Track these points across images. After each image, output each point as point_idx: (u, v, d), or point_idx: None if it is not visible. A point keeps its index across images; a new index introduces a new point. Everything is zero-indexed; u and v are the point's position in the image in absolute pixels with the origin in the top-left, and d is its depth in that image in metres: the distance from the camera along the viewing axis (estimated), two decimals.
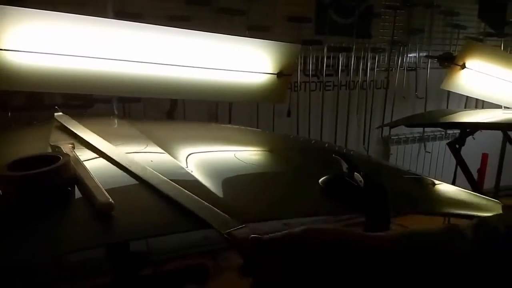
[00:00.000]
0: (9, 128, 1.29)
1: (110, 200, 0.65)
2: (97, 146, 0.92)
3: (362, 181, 0.78)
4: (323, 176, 0.84)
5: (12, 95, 2.43)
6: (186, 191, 0.71)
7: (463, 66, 1.99)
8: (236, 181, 0.87)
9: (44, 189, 0.68)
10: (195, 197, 0.69)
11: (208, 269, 0.99)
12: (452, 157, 3.88)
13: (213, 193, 0.75)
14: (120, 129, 1.28)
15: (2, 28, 1.26)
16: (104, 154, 0.88)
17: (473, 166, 2.24)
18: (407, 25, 3.61)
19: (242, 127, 1.66)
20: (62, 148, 0.89)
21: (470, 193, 1.01)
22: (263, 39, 1.57)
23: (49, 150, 0.91)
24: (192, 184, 0.78)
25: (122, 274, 0.91)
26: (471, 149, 2.25)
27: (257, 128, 3.11)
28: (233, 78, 1.59)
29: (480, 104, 3.87)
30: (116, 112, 1.72)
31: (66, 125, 1.07)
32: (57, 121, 1.15)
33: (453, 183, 2.08)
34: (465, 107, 3.97)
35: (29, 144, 1.05)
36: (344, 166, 0.83)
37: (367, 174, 0.79)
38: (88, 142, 0.94)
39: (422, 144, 3.85)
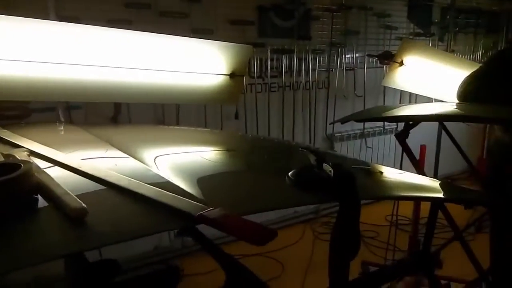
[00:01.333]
0: None
1: (83, 205, 0.62)
2: (47, 154, 0.87)
3: (332, 171, 0.81)
4: (287, 170, 0.86)
5: None
6: (155, 188, 0.70)
7: (401, 63, 2.12)
8: (206, 179, 0.87)
9: (8, 199, 0.63)
10: (165, 191, 0.69)
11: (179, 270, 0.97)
12: (391, 150, 4.14)
13: (184, 190, 0.74)
14: (73, 135, 1.21)
15: None
16: (60, 162, 0.83)
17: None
18: (344, 27, 3.77)
19: (192, 128, 1.65)
20: (17, 156, 0.84)
21: (417, 175, 1.08)
22: (216, 40, 1.57)
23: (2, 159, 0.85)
24: (162, 183, 0.77)
25: (92, 283, 0.87)
26: (409, 141, 2.40)
27: None
28: (184, 80, 1.57)
29: (413, 99, 4.14)
30: (62, 119, 1.63)
31: (3, 136, 0.99)
32: None
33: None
34: (400, 100, 4.21)
35: None
36: (312, 158, 0.85)
37: (336, 164, 0.82)
38: (35, 151, 0.89)
39: (363, 139, 4.04)
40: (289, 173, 0.86)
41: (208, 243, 0.93)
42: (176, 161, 0.97)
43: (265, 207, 0.71)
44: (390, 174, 1.10)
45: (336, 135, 3.88)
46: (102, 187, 0.75)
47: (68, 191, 0.67)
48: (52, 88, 1.37)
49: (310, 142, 3.71)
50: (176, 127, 2.20)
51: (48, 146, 0.94)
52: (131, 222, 0.63)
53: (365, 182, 0.99)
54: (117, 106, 2.61)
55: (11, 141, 0.97)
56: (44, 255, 0.53)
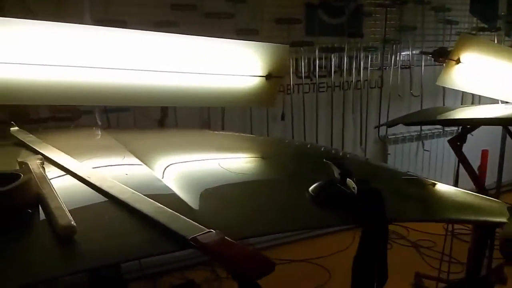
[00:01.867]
0: None
1: (72, 222, 0.58)
2: (61, 162, 0.85)
3: (355, 187, 0.71)
4: (312, 183, 0.78)
5: None
6: (156, 203, 0.65)
7: (458, 61, 1.93)
8: (218, 192, 0.80)
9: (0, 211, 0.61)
10: (165, 208, 0.64)
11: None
12: (452, 154, 3.84)
13: (188, 205, 0.68)
14: (97, 141, 1.21)
15: None
16: (71, 171, 0.81)
17: (473, 163, 2.19)
18: (399, 22, 3.56)
19: (235, 133, 1.59)
20: (29, 164, 0.82)
21: (472, 194, 0.94)
22: (249, 41, 1.50)
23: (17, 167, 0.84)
24: (166, 197, 0.72)
25: None
26: (471, 146, 2.19)
27: (251, 133, 3.04)
28: (221, 82, 1.53)
29: (476, 100, 3.82)
30: (99, 123, 1.65)
31: (24, 140, 0.99)
32: (15, 137, 1.07)
33: (456, 181, 2.02)
34: (461, 101, 3.91)
35: None
36: (336, 171, 0.76)
37: (360, 179, 0.72)
38: (51, 158, 0.87)
39: (420, 142, 3.79)
40: (310, 188, 0.77)
41: None
42: (191, 171, 0.92)
43: (273, 229, 0.63)
44: (443, 189, 0.97)
45: (390, 137, 3.67)
46: (105, 199, 0.71)
47: (63, 205, 0.63)
48: (97, 93, 1.38)
49: (361, 145, 3.54)
50: (212, 132, 2.16)
51: (68, 153, 0.93)
52: (118, 242, 0.57)
53: (410, 199, 0.88)
54: (163, 109, 2.62)
55: (31, 147, 0.96)
56: (22, 277, 0.49)
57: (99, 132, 1.38)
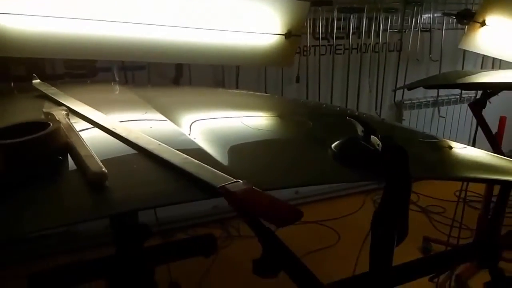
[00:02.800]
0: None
1: (103, 169, 0.59)
2: (86, 114, 0.86)
3: (380, 144, 0.71)
4: (335, 140, 0.78)
5: (13, 65, 2.37)
6: (182, 154, 0.66)
7: (483, 24, 1.87)
8: (243, 147, 0.81)
9: (31, 158, 0.62)
10: (191, 159, 0.65)
11: (215, 239, 0.95)
12: (467, 121, 3.80)
13: (214, 158, 0.69)
14: (119, 96, 1.21)
15: None
16: (96, 123, 0.82)
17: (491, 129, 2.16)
18: None
19: (250, 92, 1.58)
20: (55, 114, 0.83)
21: (490, 154, 0.94)
22: None
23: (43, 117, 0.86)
24: (192, 150, 0.73)
25: (124, 246, 0.87)
26: (489, 112, 2.16)
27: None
28: (238, 40, 1.50)
29: (496, 66, 3.72)
30: (117, 79, 1.65)
31: (46, 92, 1.00)
32: (37, 89, 1.07)
33: (473, 143, 2.00)
34: (481, 66, 3.82)
35: (22, 112, 0.99)
36: (360, 128, 0.76)
37: (385, 136, 0.72)
38: (76, 110, 0.88)
39: (436, 108, 3.74)
40: (332, 145, 0.77)
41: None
42: (214, 127, 0.93)
43: (296, 182, 0.64)
44: (461, 150, 0.97)
45: (405, 102, 3.62)
46: (132, 150, 0.72)
47: (93, 154, 0.65)
48: (113, 47, 1.38)
49: (376, 110, 3.50)
50: (229, 90, 2.15)
51: (91, 106, 0.94)
52: (150, 189, 0.59)
53: (428, 158, 0.88)
54: (178, 68, 2.61)
55: (55, 99, 0.97)
56: (55, 220, 0.51)
57: (118, 87, 1.39)
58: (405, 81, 3.51)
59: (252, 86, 3.01)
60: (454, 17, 2.67)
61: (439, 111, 3.75)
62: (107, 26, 1.31)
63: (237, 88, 2.90)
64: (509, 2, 1.99)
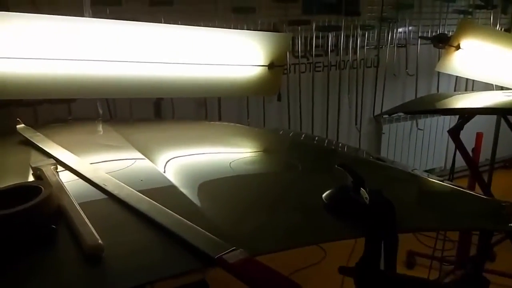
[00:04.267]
0: None
1: (99, 241, 0.59)
2: (74, 166, 0.86)
3: (367, 197, 0.73)
4: (324, 187, 0.80)
5: None
6: (174, 214, 0.67)
7: (458, 47, 1.94)
8: (232, 198, 0.82)
9: (24, 229, 0.62)
10: (185, 221, 0.66)
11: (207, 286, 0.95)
12: (444, 132, 3.90)
13: (206, 215, 0.70)
14: (104, 138, 1.21)
15: None
16: (84, 176, 0.82)
17: (468, 145, 2.23)
18: (396, 0, 3.52)
19: (231, 124, 1.59)
20: (44, 171, 0.83)
21: (478, 196, 0.97)
22: (252, 30, 1.49)
23: (30, 172, 0.85)
24: (184, 205, 0.74)
25: None
26: (466, 128, 2.23)
27: (248, 113, 3.04)
28: (222, 72, 1.52)
29: (470, 81, 3.84)
30: (100, 112, 1.63)
31: (33, 141, 0.99)
32: (21, 135, 1.06)
33: (452, 169, 2.06)
34: (455, 84, 3.94)
35: (7, 163, 0.97)
36: (349, 178, 0.78)
37: (373, 190, 0.74)
38: (63, 162, 0.88)
39: (414, 121, 3.83)
40: (323, 195, 0.79)
41: None
42: (202, 172, 0.93)
43: (290, 244, 0.65)
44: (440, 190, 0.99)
45: (384, 116, 3.70)
46: (124, 210, 0.72)
47: (87, 220, 0.65)
48: (92, 85, 1.36)
49: (356, 124, 3.56)
50: (213, 123, 2.15)
51: (77, 153, 0.93)
52: (147, 259, 0.59)
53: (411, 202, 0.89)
54: None
55: (41, 148, 0.96)
56: None
57: (101, 127, 1.38)
58: (383, 96, 3.59)
59: (235, 106, 3.03)
60: (429, 40, 2.75)
61: (417, 124, 3.84)
62: (86, 65, 1.31)
63: (219, 108, 2.90)
64: (482, 27, 2.08)
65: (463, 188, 1.01)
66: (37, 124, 1.25)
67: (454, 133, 1.50)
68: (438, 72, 3.72)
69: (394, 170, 1.18)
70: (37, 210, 0.64)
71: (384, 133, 3.68)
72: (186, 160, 1.04)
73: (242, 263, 0.55)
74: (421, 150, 3.91)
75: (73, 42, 1.28)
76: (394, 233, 0.69)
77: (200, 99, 2.89)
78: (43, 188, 0.68)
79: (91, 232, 0.61)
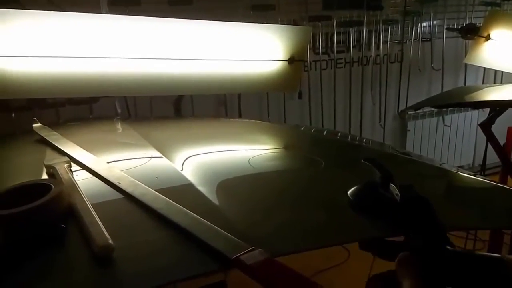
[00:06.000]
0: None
1: (110, 241, 0.56)
2: (88, 164, 0.83)
3: (398, 194, 0.67)
4: (350, 183, 0.75)
5: None
6: (191, 213, 0.63)
7: (488, 38, 1.84)
8: (251, 196, 0.78)
9: (32, 229, 0.59)
10: (201, 219, 0.62)
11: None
12: (472, 128, 3.76)
13: (223, 213, 0.66)
14: (121, 136, 1.18)
15: None
16: (98, 174, 0.79)
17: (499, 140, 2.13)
18: None
19: (251, 120, 1.55)
20: (57, 168, 0.80)
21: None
22: (271, 24, 1.44)
23: (44, 170, 0.82)
24: (201, 204, 0.70)
25: None
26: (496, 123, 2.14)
27: (268, 111, 3.00)
28: (241, 68, 1.48)
29: (499, 74, 3.70)
30: (119, 111, 1.62)
31: (48, 139, 0.97)
32: (37, 134, 1.04)
33: (483, 163, 1.97)
34: (483, 78, 3.80)
35: (21, 163, 0.96)
36: (377, 174, 0.72)
37: (404, 185, 0.68)
38: (78, 160, 0.85)
39: (441, 117, 3.70)
40: (349, 192, 0.74)
41: None
42: (220, 170, 0.89)
43: (314, 244, 0.60)
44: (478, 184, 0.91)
45: (409, 113, 3.59)
46: (138, 209, 0.68)
47: (98, 220, 0.61)
48: (112, 83, 1.35)
49: (380, 122, 3.47)
50: (232, 120, 2.11)
51: (93, 151, 0.91)
52: (159, 261, 0.55)
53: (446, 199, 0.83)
54: None
55: (56, 146, 0.94)
56: None
57: (119, 125, 1.36)
58: (407, 92, 3.48)
59: (255, 104, 2.99)
60: (458, 31, 2.64)
61: (443, 120, 3.72)
62: (105, 62, 1.29)
63: (239, 105, 2.87)
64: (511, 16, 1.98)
65: (497, 183, 0.93)
66: (54, 123, 1.23)
67: (486, 127, 1.42)
68: (465, 66, 3.59)
69: (422, 165, 1.12)
70: (46, 209, 0.61)
71: (409, 130, 3.57)
72: (204, 157, 1.00)
73: (260, 264, 0.51)
74: (448, 147, 3.78)
75: (90, 39, 1.26)
76: (437, 231, 0.62)
77: (220, 97, 2.86)
78: (53, 186, 0.65)
79: (102, 231, 0.58)
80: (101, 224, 0.60)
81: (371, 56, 3.34)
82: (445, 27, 3.41)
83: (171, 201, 0.68)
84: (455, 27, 3.46)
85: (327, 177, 0.88)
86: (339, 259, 2.85)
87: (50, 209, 0.61)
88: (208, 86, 1.48)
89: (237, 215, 0.68)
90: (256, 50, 1.47)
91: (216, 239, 0.57)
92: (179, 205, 0.66)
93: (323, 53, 3.15)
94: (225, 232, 0.59)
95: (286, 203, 0.75)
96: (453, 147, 3.83)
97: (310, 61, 3.09)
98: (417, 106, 1.48)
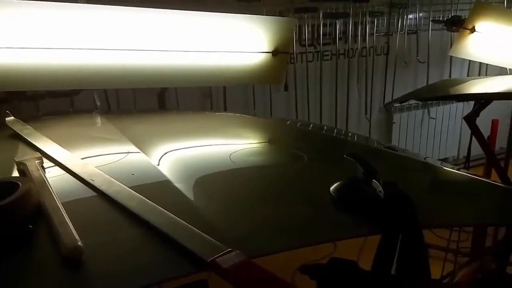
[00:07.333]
0: None
1: (79, 242, 0.53)
2: (61, 160, 0.79)
3: (381, 190, 0.66)
4: (332, 179, 0.73)
5: None
6: (166, 212, 0.61)
7: (473, 30, 1.83)
8: (230, 192, 0.75)
9: None
10: (177, 219, 0.59)
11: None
12: (457, 120, 3.78)
13: (199, 211, 0.64)
14: (99, 131, 1.14)
15: None
16: (71, 171, 0.75)
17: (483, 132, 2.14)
18: None
19: (236, 114, 1.52)
20: (28, 165, 0.76)
21: (497, 185, 0.89)
22: (254, 15, 1.41)
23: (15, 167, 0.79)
24: (176, 201, 0.67)
25: None
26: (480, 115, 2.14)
27: (254, 104, 2.97)
28: (225, 60, 1.44)
29: (484, 67, 3.72)
30: (98, 103, 1.57)
31: (21, 133, 0.93)
32: (10, 128, 1.00)
33: (468, 155, 1.97)
34: (468, 70, 3.81)
35: None
36: (359, 169, 0.70)
37: (387, 182, 0.66)
38: (51, 156, 0.81)
39: (426, 110, 3.72)
40: (331, 188, 0.72)
41: None
42: (199, 165, 0.87)
43: (292, 244, 0.58)
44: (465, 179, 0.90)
45: (395, 105, 3.59)
46: (111, 207, 0.65)
47: (67, 219, 0.58)
48: (94, 76, 1.30)
49: (366, 114, 3.47)
50: (217, 113, 2.08)
51: (67, 146, 0.87)
52: (132, 263, 0.53)
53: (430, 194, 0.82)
54: None
55: (29, 141, 0.90)
56: None
57: (99, 120, 1.31)
58: (393, 84, 3.48)
59: (240, 96, 2.96)
60: (443, 23, 2.64)
61: (429, 113, 3.73)
62: (86, 54, 1.24)
63: (224, 98, 2.83)
64: (497, 9, 1.97)
65: (481, 177, 0.92)
66: (32, 117, 1.18)
67: (470, 119, 1.41)
68: (451, 59, 3.60)
69: (407, 159, 1.10)
70: (11, 208, 0.57)
71: (394, 123, 3.58)
72: (183, 153, 0.97)
73: (236, 266, 0.48)
74: (433, 139, 3.80)
75: (70, 30, 1.21)
76: (416, 231, 0.61)
77: (205, 90, 2.82)
78: (20, 184, 0.62)
79: (71, 232, 0.55)
80: (70, 224, 0.57)
81: (357, 48, 3.33)
82: (430, 19, 3.41)
83: (146, 199, 0.65)
84: (440, 19, 3.46)
85: (310, 173, 0.86)
86: (326, 251, 2.84)
87: (16, 209, 0.58)
88: (191, 78, 1.44)
89: (214, 213, 0.65)
90: (240, 42, 1.44)
91: (191, 240, 0.55)
92: (154, 204, 0.64)
93: (309, 45, 3.12)
94: (202, 233, 0.56)
95: (266, 201, 0.72)
96: (438, 139, 3.85)
97: (296, 53, 3.06)
98: (402, 99, 1.47)
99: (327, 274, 0.71)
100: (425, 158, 1.09)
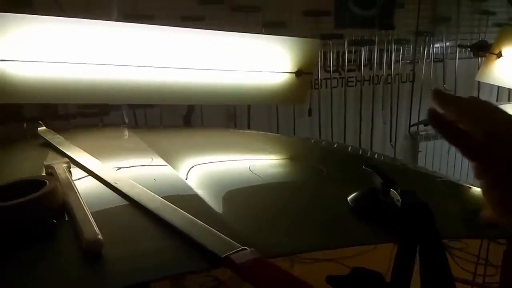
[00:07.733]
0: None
1: (99, 236, 0.55)
2: (87, 165, 0.82)
3: (399, 200, 0.65)
4: (351, 191, 0.73)
5: (26, 105, 2.39)
6: (185, 213, 0.62)
7: (499, 55, 1.82)
8: (250, 201, 0.76)
9: (23, 222, 0.58)
10: (195, 220, 0.60)
11: None
12: None
13: (219, 216, 0.65)
14: (125, 142, 1.18)
15: (3, 37, 1.18)
16: (96, 175, 0.78)
17: None
18: (433, 13, 3.42)
19: (261, 132, 1.54)
20: (55, 168, 0.80)
21: None
22: (278, 35, 1.45)
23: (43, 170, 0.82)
24: (196, 206, 0.69)
25: None
26: None
27: (278, 128, 2.99)
28: (249, 79, 1.48)
29: None
30: (126, 121, 1.63)
31: (51, 141, 0.98)
32: (42, 137, 1.05)
33: None
34: (497, 97, 3.75)
35: (23, 164, 0.96)
36: (378, 180, 0.70)
37: (405, 191, 0.66)
38: (78, 162, 0.85)
39: None
40: (349, 198, 0.72)
41: None
42: (220, 175, 0.88)
43: (307, 246, 0.58)
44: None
45: (421, 133, 3.55)
46: (133, 208, 0.67)
47: (90, 216, 0.60)
48: (122, 91, 1.35)
49: (390, 142, 3.43)
50: (240, 131, 2.11)
51: (95, 155, 0.91)
52: (150, 258, 0.54)
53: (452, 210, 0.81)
54: (190, 105, 2.60)
55: (58, 148, 0.94)
56: None
57: (126, 133, 1.36)
58: (419, 112, 3.45)
59: (264, 120, 2.99)
60: (469, 48, 2.62)
61: None
62: (117, 70, 1.30)
63: (248, 122, 2.87)
64: None
65: None
66: (60, 128, 1.24)
67: None
68: (478, 86, 3.55)
69: (435, 178, 1.09)
70: (38, 203, 0.60)
71: (420, 151, 3.52)
72: (208, 165, 0.99)
73: (250, 263, 0.49)
74: (461, 169, 3.71)
75: (100, 46, 1.28)
76: (437, 238, 0.60)
77: (230, 111, 2.87)
78: (47, 182, 0.64)
79: (92, 227, 0.57)
80: (92, 221, 0.59)
81: (383, 75, 3.33)
82: (458, 44, 3.39)
83: (166, 201, 0.67)
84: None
85: (331, 186, 0.86)
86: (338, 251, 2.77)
87: (42, 203, 0.60)
88: (216, 96, 1.48)
89: (233, 218, 0.66)
90: (264, 62, 1.47)
91: (207, 238, 0.56)
92: (174, 206, 0.65)
93: (334, 71, 3.15)
94: (218, 232, 0.57)
95: (285, 209, 0.73)
96: (465, 170, 3.75)
97: (320, 79, 3.09)
98: (426, 122, 1.46)
99: (351, 285, 0.69)
100: (458, 181, 1.08)
